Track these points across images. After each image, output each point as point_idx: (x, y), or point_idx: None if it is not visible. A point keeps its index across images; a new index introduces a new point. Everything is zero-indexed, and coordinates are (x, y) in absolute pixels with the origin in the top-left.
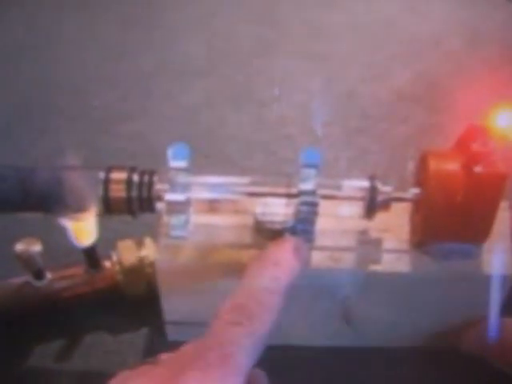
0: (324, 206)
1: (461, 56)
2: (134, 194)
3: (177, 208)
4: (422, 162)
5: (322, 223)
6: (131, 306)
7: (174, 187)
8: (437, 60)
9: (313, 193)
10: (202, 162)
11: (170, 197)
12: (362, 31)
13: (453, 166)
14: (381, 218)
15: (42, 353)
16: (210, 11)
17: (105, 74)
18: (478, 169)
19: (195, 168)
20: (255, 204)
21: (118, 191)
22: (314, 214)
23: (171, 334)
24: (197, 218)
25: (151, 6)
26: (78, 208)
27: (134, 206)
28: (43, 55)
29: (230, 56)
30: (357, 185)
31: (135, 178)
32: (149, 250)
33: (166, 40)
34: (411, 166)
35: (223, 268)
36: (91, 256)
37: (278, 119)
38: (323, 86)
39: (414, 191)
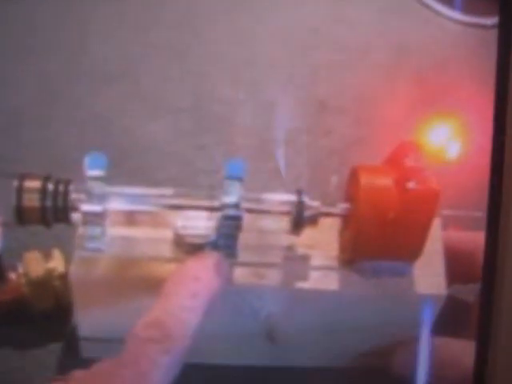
0: (247, 221)
1: (389, 68)
2: (49, 203)
3: (93, 219)
4: (353, 177)
5: (245, 238)
6: (38, 321)
7: (90, 197)
8: (363, 71)
9: (236, 206)
10: (113, 172)
11: (87, 207)
12: (285, 39)
13: (385, 181)
14: (308, 233)
15: None
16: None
17: (8, 75)
18: (410, 185)
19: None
20: (175, 217)
21: (31, 200)
22: (238, 228)
23: (85, 350)
24: (114, 230)
25: (61, 5)
26: None
27: (48, 216)
28: None
29: (144, 61)
30: (283, 198)
31: (50, 186)
32: (57, 262)
33: (74, 41)
34: (335, 180)
35: (141, 282)
36: None
37: (193, 129)
38: (243, 94)
39: (344, 206)
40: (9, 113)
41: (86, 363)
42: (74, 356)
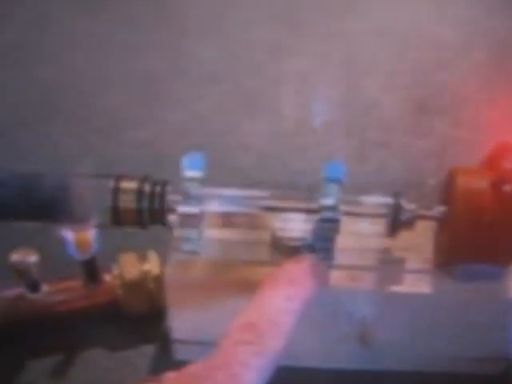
0: (344, 223)
1: (489, 67)
2: (145, 205)
3: (190, 221)
4: (450, 179)
5: (341, 241)
6: (131, 323)
7: (187, 199)
8: (464, 71)
9: (334, 209)
10: (210, 173)
11: (183, 209)
12: (385, 38)
13: (481, 184)
14: (403, 236)
15: (36, 369)
16: (223, 12)
17: (112, 76)
18: (507, 188)
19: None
20: (272, 219)
21: (128, 202)
22: (335, 231)
23: (178, 352)
24: (210, 233)
25: (160, 7)
26: (82, 218)
27: (144, 217)
28: (45, 56)
29: (244, 60)
30: (380, 201)
31: (146, 188)
32: (152, 264)
33: (176, 42)
34: (432, 183)
35: (236, 285)
36: (91, 269)
37: (293, 129)
38: (343, 95)
39: (440, 209)
40: (109, 113)
41: (178, 365)
42: (166, 358)
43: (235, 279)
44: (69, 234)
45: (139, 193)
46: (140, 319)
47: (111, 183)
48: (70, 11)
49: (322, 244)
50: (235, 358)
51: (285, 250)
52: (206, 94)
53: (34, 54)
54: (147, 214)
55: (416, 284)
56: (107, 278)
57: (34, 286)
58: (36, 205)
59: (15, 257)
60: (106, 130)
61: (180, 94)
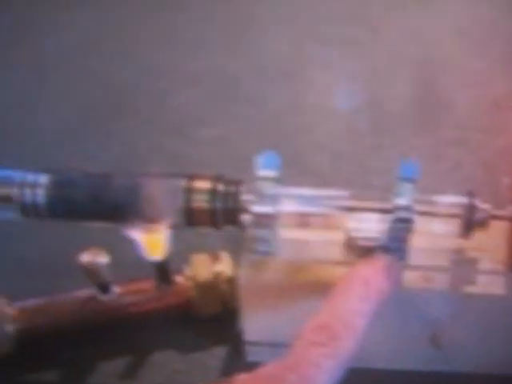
0: (417, 223)
1: None
2: (219, 205)
3: (264, 221)
4: None
5: (414, 241)
6: (203, 325)
7: (261, 199)
8: None
9: (408, 208)
10: (285, 173)
11: (258, 209)
12: (462, 35)
13: None
14: (476, 236)
15: (105, 371)
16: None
17: (184, 73)
18: None
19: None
20: (347, 219)
21: (201, 202)
22: (409, 231)
23: (250, 354)
24: (285, 233)
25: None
26: (153, 219)
27: (217, 217)
28: (112, 53)
29: (316, 57)
30: (454, 201)
31: (220, 187)
32: (225, 265)
33: (250, 38)
34: (507, 181)
35: (309, 286)
36: (163, 270)
37: (369, 128)
38: (418, 92)
39: None
40: (181, 111)
41: (250, 367)
42: (238, 360)
43: (309, 280)
44: (140, 236)
45: (213, 192)
46: (212, 321)
47: (184, 183)
48: (145, 11)
49: (395, 244)
50: (307, 360)
51: (359, 250)
52: (279, 91)
53: (106, 53)
54: (221, 214)
55: (489, 285)
56: (179, 279)
57: (104, 288)
58: (106, 205)
59: (85, 257)
60: (178, 128)
61: (254, 92)
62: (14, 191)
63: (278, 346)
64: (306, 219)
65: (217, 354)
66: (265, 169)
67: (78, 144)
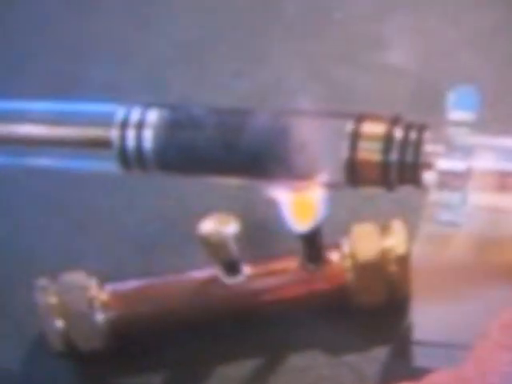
0: None
1: None
2: (394, 157)
3: (453, 181)
4: None
5: None
6: (361, 318)
7: (451, 150)
8: None
9: None
10: (486, 116)
11: (445, 164)
12: None
13: None
14: None
15: (227, 376)
16: None
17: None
18: None
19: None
20: None
21: (370, 152)
22: None
23: (419, 357)
24: (478, 198)
25: None
26: (305, 173)
27: (391, 174)
28: None
29: None
30: None
31: (397, 133)
32: (396, 240)
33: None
34: None
35: (504, 271)
36: (312, 244)
37: None
38: None
39: None
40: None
41: (417, 374)
42: (402, 364)
43: (504, 263)
44: (285, 196)
45: (387, 140)
46: (373, 313)
47: (349, 125)
48: None
49: None
50: (494, 368)
51: None
52: None
53: None
54: (396, 170)
55: None
56: (334, 257)
57: (231, 267)
58: (240, 154)
59: (207, 226)
60: (338, 51)
61: None
62: (113, 133)
63: (454, 348)
64: (506, 181)
65: (374, 357)
66: (458, 109)
67: (201, 65)
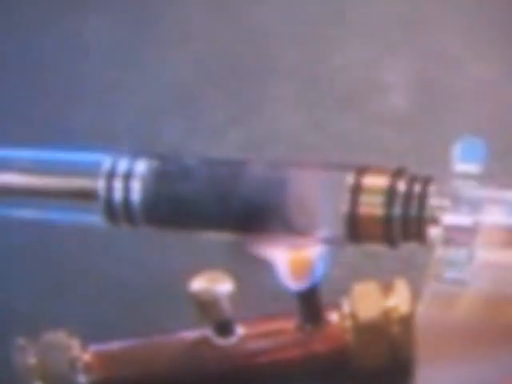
0: None
1: None
2: (398, 211)
3: (460, 237)
4: None
5: None
6: (360, 382)
7: (457, 204)
8: None
9: None
10: (492, 169)
11: (451, 219)
12: None
13: None
14: None
15: None
16: None
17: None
18: None
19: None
20: None
21: (372, 206)
22: None
23: None
24: (487, 255)
25: None
26: (302, 229)
27: (395, 229)
28: None
29: None
30: None
31: (401, 186)
32: (400, 299)
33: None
34: None
35: None
36: (310, 304)
37: None
38: None
39: None
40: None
41: None
42: None
43: None
44: (281, 254)
45: (390, 193)
46: (375, 377)
47: (349, 178)
48: None
49: None
50: None
51: None
52: None
53: None
54: (399, 225)
55: None
56: (333, 317)
57: (224, 328)
58: (234, 208)
59: (198, 284)
60: (338, 99)
61: None
62: (99, 184)
63: None
64: None
65: None
66: (464, 162)
67: (194, 113)
